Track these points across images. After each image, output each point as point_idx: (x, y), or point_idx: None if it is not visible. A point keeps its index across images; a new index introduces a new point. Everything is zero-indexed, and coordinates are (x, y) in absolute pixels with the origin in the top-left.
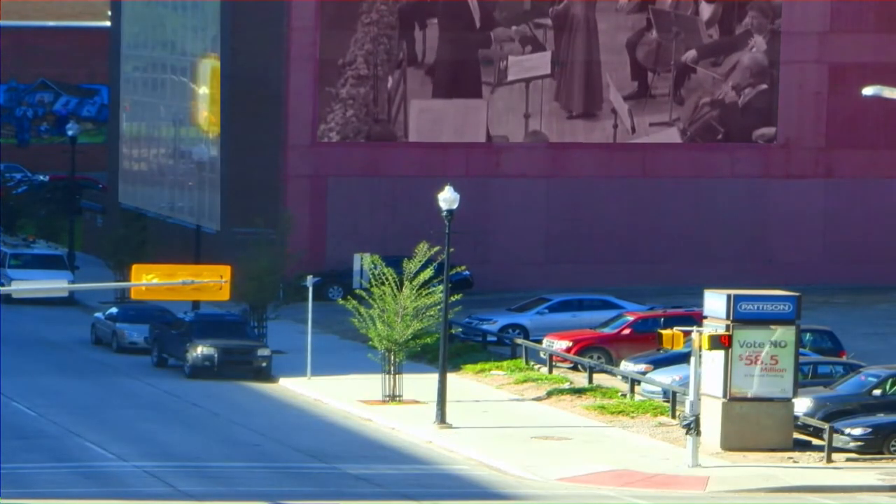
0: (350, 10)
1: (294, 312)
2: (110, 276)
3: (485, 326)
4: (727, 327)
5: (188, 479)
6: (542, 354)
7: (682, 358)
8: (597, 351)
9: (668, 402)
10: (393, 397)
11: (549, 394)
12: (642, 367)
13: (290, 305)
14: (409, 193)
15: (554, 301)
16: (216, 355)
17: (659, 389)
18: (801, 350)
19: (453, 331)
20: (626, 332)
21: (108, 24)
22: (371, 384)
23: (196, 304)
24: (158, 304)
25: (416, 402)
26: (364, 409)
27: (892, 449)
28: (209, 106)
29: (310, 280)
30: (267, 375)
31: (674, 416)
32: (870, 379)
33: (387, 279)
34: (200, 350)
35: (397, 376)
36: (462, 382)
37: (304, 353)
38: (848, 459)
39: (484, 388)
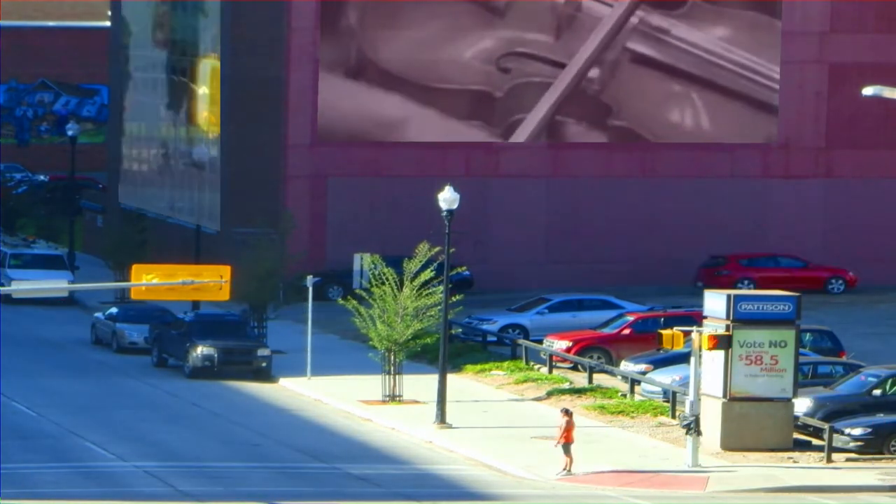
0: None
1: (294, 312)
2: (110, 276)
3: (485, 326)
4: (727, 327)
5: (188, 479)
6: (542, 354)
7: (682, 358)
8: (597, 351)
9: (668, 402)
10: (393, 397)
11: (549, 394)
12: (642, 367)
13: (290, 305)
14: (409, 193)
15: (554, 301)
16: (216, 355)
17: (659, 389)
18: (801, 350)
19: (453, 331)
20: (626, 332)
21: (108, 24)
22: (371, 384)
23: (196, 304)
24: (158, 304)
25: (416, 402)
26: (364, 410)
27: (892, 449)
28: (209, 106)
29: (310, 280)
30: (267, 375)
31: (674, 416)
32: (870, 379)
33: (387, 279)
34: (200, 350)
35: (397, 376)
36: (462, 382)
37: (304, 353)
38: (848, 459)
39: (484, 388)
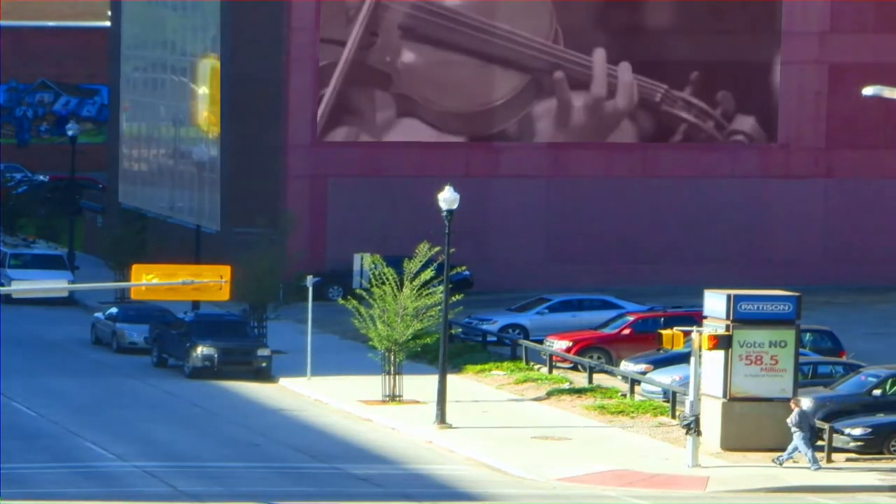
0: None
1: (294, 312)
2: (110, 276)
3: (485, 326)
4: (727, 327)
5: (188, 479)
6: (542, 354)
7: (682, 358)
8: (597, 351)
9: (668, 402)
10: (393, 397)
11: (549, 394)
12: (642, 367)
13: (290, 305)
14: (409, 193)
15: (554, 301)
16: (216, 355)
17: (659, 389)
18: (801, 350)
19: (453, 331)
20: (626, 332)
21: (108, 24)
22: (371, 384)
23: (196, 304)
24: (158, 305)
25: (416, 402)
26: (364, 410)
27: (892, 449)
28: (209, 106)
29: (310, 280)
30: (267, 375)
31: (674, 416)
32: (870, 379)
33: (387, 279)
34: (200, 350)
35: (397, 376)
36: (462, 382)
37: (304, 353)
38: (848, 459)
39: (484, 388)
